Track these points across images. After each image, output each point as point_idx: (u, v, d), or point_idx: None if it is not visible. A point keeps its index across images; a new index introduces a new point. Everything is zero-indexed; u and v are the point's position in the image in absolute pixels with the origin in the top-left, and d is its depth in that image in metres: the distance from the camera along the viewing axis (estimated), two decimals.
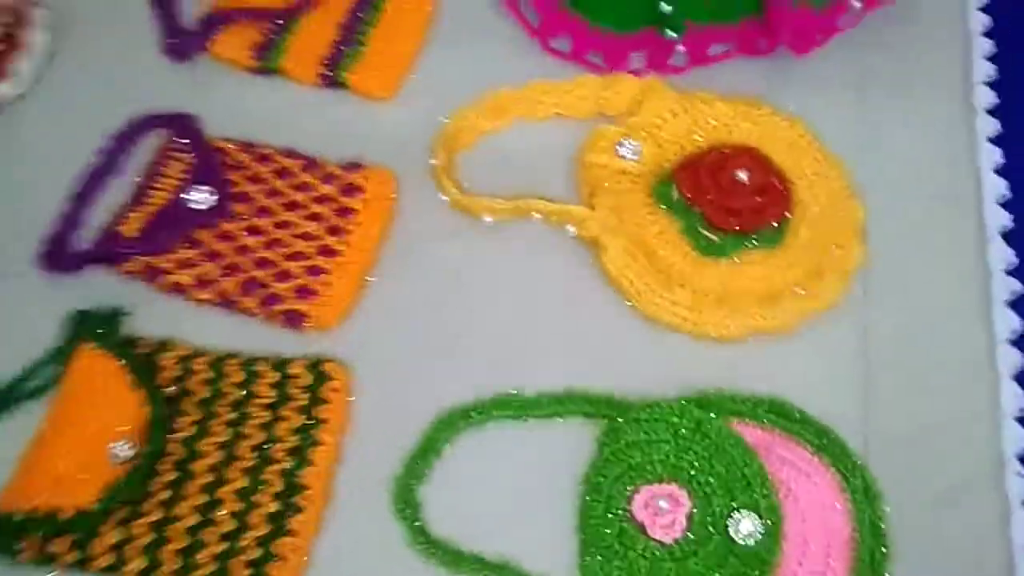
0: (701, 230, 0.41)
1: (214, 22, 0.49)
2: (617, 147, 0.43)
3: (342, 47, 0.49)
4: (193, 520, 0.36)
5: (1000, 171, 0.43)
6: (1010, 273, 0.40)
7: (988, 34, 0.48)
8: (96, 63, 0.50)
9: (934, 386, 0.38)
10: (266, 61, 0.48)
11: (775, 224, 0.41)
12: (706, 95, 0.45)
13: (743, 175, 0.41)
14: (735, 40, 0.47)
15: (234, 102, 0.48)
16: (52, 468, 0.36)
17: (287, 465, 0.37)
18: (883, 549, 0.34)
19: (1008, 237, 0.41)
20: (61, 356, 0.40)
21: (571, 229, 0.42)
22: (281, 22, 0.49)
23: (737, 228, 0.40)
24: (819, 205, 0.42)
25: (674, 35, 0.46)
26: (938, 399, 0.38)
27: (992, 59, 0.47)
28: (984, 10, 0.49)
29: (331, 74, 0.48)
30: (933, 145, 0.45)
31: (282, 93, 0.49)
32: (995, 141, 0.44)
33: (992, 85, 0.46)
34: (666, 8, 0.46)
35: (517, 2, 0.49)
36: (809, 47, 0.46)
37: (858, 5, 0.46)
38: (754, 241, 0.41)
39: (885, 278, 0.41)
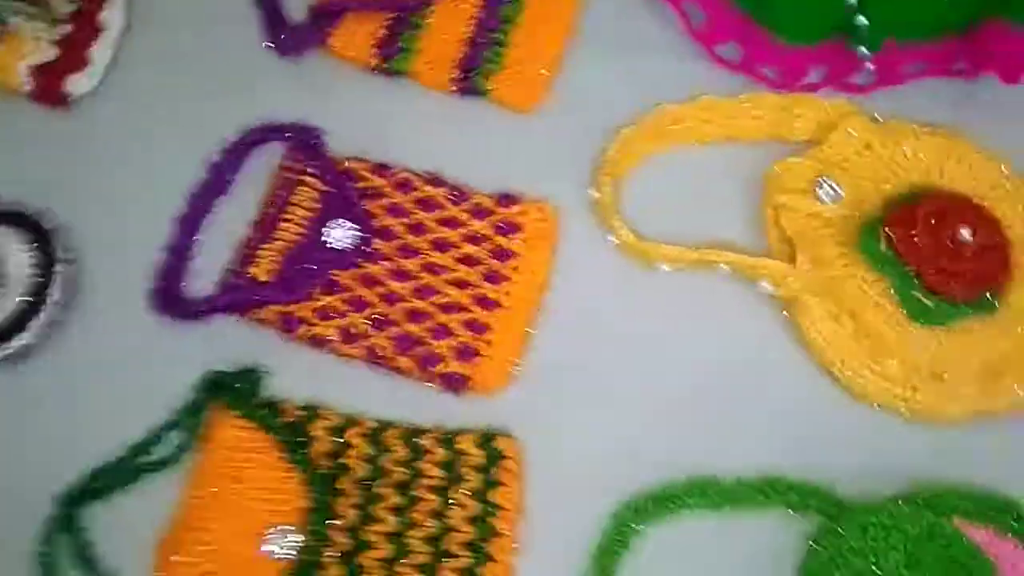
0: (915, 293, 0.36)
1: (332, 11, 0.42)
2: (816, 187, 0.38)
3: (479, 47, 0.42)
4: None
5: None
6: None
7: None
8: (182, 53, 0.44)
9: None
10: (393, 62, 0.42)
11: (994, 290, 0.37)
12: (904, 125, 0.40)
13: (967, 233, 0.36)
14: (932, 60, 0.42)
15: (353, 109, 0.42)
16: (200, 569, 0.32)
17: (466, 563, 0.33)
18: None
19: None
20: (191, 421, 0.35)
21: (766, 286, 0.37)
22: (407, 14, 0.42)
23: (956, 295, 0.36)
24: None
25: (867, 52, 0.41)
26: None
27: None
28: None
29: (467, 80, 0.42)
30: None
31: (409, 99, 0.42)
32: None
33: None
34: (862, 21, 0.40)
35: None
36: (1020, 75, 0.41)
37: None
38: (970, 309, 0.36)
39: None
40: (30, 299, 0.36)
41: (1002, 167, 0.40)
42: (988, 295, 0.36)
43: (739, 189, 0.40)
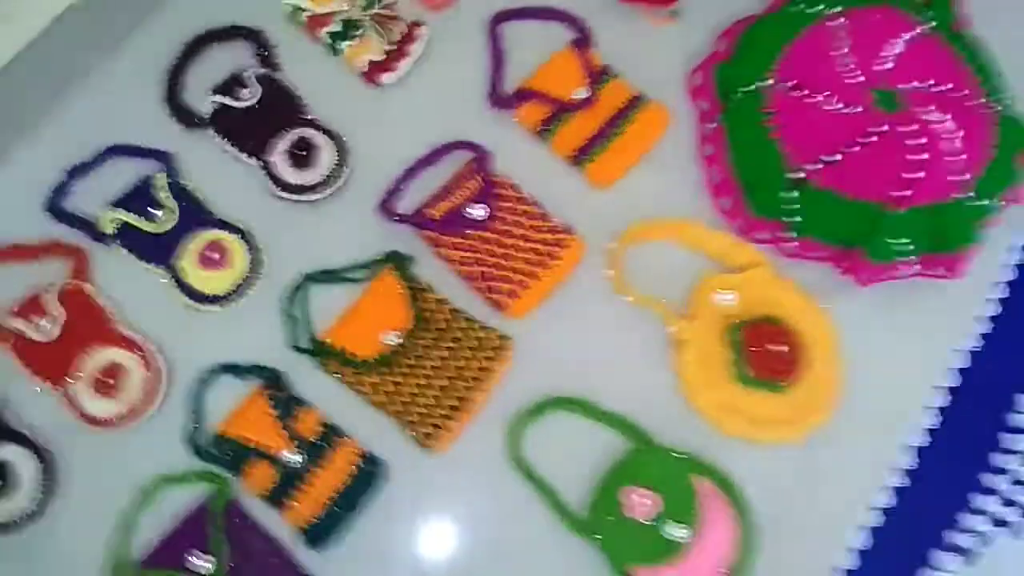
0: (746, 372, 0.68)
1: (525, 96, 0.76)
2: (717, 295, 0.70)
3: (596, 141, 0.75)
4: (424, 378, 0.67)
5: None
6: None
7: None
8: (443, 79, 0.78)
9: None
10: (545, 134, 0.75)
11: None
12: (788, 284, 0.71)
13: (783, 349, 0.67)
14: (829, 255, 0.71)
15: (515, 152, 0.76)
16: (353, 331, 0.68)
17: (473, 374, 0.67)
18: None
19: None
20: (372, 268, 0.70)
21: (671, 328, 0.69)
22: (564, 111, 0.76)
23: (766, 379, 0.67)
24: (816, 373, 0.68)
25: (794, 236, 0.71)
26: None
27: None
28: None
29: (579, 157, 0.75)
30: None
31: (544, 159, 0.76)
32: None
33: None
34: (797, 220, 0.70)
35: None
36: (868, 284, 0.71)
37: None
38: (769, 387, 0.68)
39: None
40: None
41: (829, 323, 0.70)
42: (781, 383, 0.68)
43: (690, 274, 0.72)
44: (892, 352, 0.70)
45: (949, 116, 0.71)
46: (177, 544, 0.62)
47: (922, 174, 0.69)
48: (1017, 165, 0.72)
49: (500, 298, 0.70)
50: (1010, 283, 0.72)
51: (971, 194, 0.70)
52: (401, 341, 0.68)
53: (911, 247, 0.69)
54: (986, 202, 0.70)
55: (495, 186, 0.73)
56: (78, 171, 0.72)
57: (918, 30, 0.74)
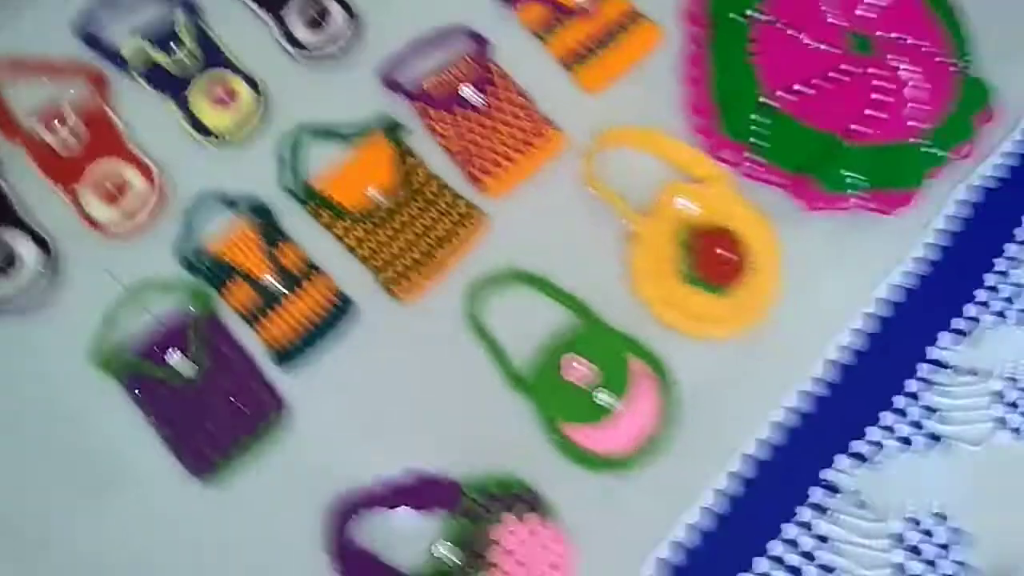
0: (692, 272, 0.74)
1: None
2: (678, 199, 0.76)
3: (590, 48, 0.81)
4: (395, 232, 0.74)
5: None
6: None
7: None
8: None
9: None
10: (544, 34, 0.81)
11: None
12: (745, 202, 0.77)
13: (730, 256, 0.74)
14: (782, 179, 0.78)
15: (513, 47, 0.81)
16: (342, 183, 0.74)
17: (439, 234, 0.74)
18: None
19: None
20: (367, 129, 0.76)
21: (627, 223, 0.76)
22: (564, 15, 0.81)
23: (710, 280, 0.74)
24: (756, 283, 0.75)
25: (757, 159, 0.77)
26: None
27: None
28: None
29: (572, 61, 0.80)
30: None
31: (540, 57, 0.81)
32: None
33: None
34: (764, 145, 0.76)
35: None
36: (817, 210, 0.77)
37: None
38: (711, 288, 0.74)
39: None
40: None
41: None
42: (723, 287, 0.74)
43: (658, 182, 0.78)
44: (829, 277, 0.76)
45: (919, 69, 0.77)
46: (160, 343, 0.69)
47: (884, 115, 0.76)
48: (973, 124, 0.78)
49: (478, 174, 0.76)
50: (945, 231, 0.78)
51: (927, 141, 0.76)
52: (383, 198, 0.74)
53: (862, 181, 0.75)
54: (938, 152, 0.77)
55: (489, 72, 0.79)
56: (108, 2, 0.77)
57: None
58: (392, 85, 0.78)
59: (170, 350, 0.69)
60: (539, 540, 0.68)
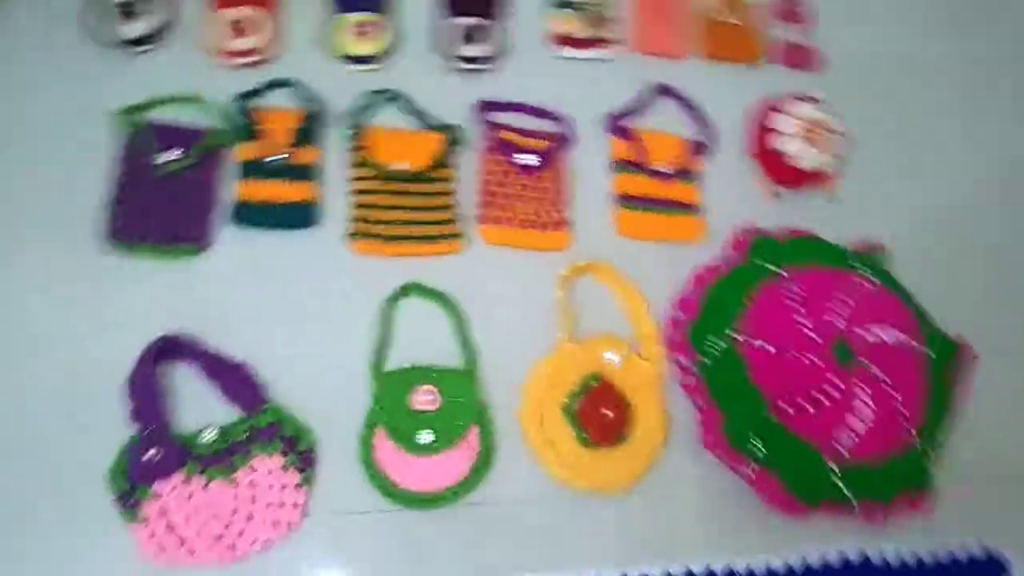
0: (575, 416, 0.77)
1: (627, 134, 0.91)
2: (608, 352, 0.80)
3: (640, 202, 0.89)
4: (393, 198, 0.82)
5: None
6: None
7: None
8: (599, 88, 0.95)
9: None
10: (617, 167, 0.90)
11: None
12: (659, 397, 0.80)
13: (608, 412, 0.77)
14: None
15: (590, 158, 0.91)
16: (389, 144, 0.84)
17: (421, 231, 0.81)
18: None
19: None
20: (438, 126, 0.86)
21: (559, 336, 0.80)
22: (640, 170, 0.90)
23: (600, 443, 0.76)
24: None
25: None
26: None
27: None
28: None
29: (619, 202, 0.88)
30: None
31: (604, 189, 0.91)
32: None
33: None
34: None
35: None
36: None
37: None
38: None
39: None
40: None
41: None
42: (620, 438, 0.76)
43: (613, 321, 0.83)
44: None
45: (893, 371, 0.80)
46: (172, 136, 0.80)
47: (866, 429, 0.78)
48: (949, 392, 0.82)
49: (485, 215, 0.84)
50: None
51: (915, 445, 0.79)
52: (407, 169, 0.83)
53: (852, 497, 0.76)
54: (928, 449, 0.80)
55: (555, 159, 0.88)
56: None
57: (861, 284, 0.84)
58: (483, 111, 0.88)
59: (173, 148, 0.79)
60: (280, 479, 0.71)
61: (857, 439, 0.77)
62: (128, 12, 0.83)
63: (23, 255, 0.75)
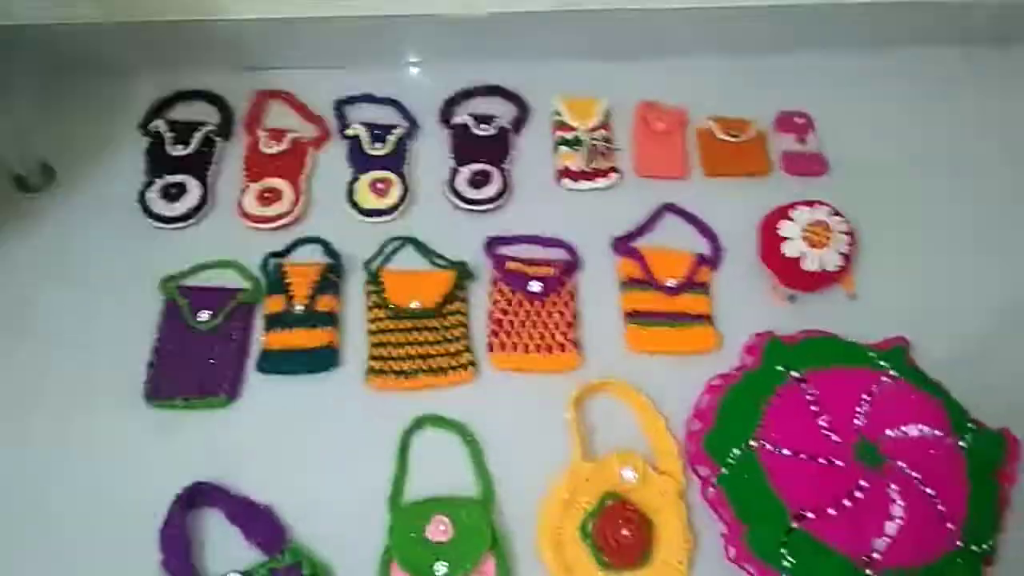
0: (592, 535, 0.76)
1: (632, 253, 0.93)
2: (627, 470, 0.79)
3: (651, 317, 0.90)
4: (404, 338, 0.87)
5: None
6: None
7: None
8: (599, 212, 0.99)
9: None
10: (624, 288, 0.92)
11: None
12: (682, 512, 0.78)
13: (626, 532, 0.75)
14: None
15: (597, 278, 0.94)
16: (402, 285, 0.90)
17: (433, 364, 0.85)
18: None
19: None
20: (448, 263, 0.92)
21: (573, 456, 0.80)
22: (650, 286, 0.92)
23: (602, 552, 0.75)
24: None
25: None
26: None
27: None
28: None
29: (630, 319, 0.90)
30: None
31: (611, 299, 0.93)
32: None
33: None
34: None
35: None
36: None
37: None
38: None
39: None
40: None
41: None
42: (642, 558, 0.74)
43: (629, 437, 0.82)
44: None
45: (925, 467, 0.76)
46: (203, 299, 0.88)
47: (899, 532, 0.73)
48: (996, 486, 0.77)
49: (496, 343, 0.87)
50: None
51: (959, 544, 0.74)
52: (418, 307, 0.88)
53: None
54: (976, 548, 0.74)
55: (562, 284, 0.91)
56: (367, 97, 1.05)
57: (883, 379, 0.80)
58: (489, 247, 0.93)
59: (207, 308, 0.87)
60: None
61: (891, 541, 0.72)
62: (170, 195, 0.94)
63: (74, 408, 0.83)
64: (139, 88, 1.05)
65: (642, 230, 0.97)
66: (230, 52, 1.06)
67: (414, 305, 0.88)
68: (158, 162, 0.98)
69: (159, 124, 1.00)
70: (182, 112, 1.03)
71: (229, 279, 0.91)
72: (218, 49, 1.05)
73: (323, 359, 0.85)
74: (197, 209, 0.94)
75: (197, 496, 0.77)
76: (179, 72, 1.06)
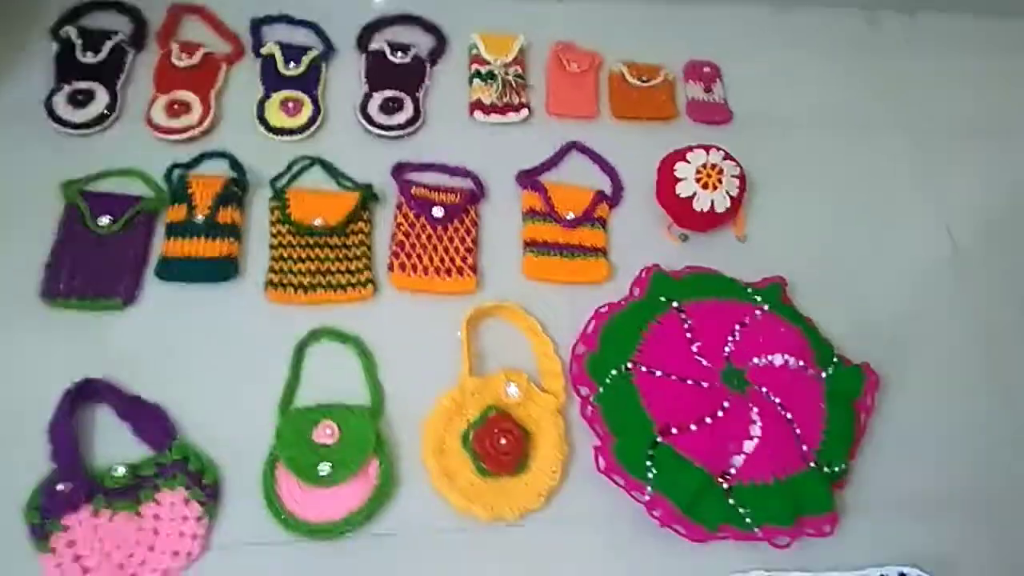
0: (473, 446, 0.79)
1: (537, 187, 0.97)
2: (511, 385, 0.83)
3: (548, 248, 0.94)
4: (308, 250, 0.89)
5: None
6: None
7: None
8: (508, 143, 1.02)
9: None
10: (527, 219, 0.95)
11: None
12: (560, 425, 0.82)
13: (503, 441, 0.79)
14: None
15: (502, 206, 0.97)
16: (306, 204, 0.91)
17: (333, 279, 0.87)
18: None
19: None
20: (355, 185, 0.94)
21: (460, 374, 0.84)
22: (550, 218, 0.96)
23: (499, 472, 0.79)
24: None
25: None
26: None
27: None
28: None
29: (527, 248, 0.94)
30: None
31: (514, 230, 0.96)
32: None
33: None
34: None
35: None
36: None
37: None
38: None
39: None
40: None
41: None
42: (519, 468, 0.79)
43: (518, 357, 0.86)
44: None
45: (786, 393, 0.82)
46: (105, 204, 0.88)
47: (756, 450, 0.79)
48: (853, 415, 0.83)
49: (395, 263, 0.90)
50: None
51: (812, 465, 0.80)
52: (320, 225, 0.90)
53: (751, 519, 0.78)
54: (827, 470, 0.80)
55: (466, 211, 0.94)
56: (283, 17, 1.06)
57: (756, 313, 0.86)
58: (397, 172, 0.95)
59: (108, 214, 0.87)
60: (182, 512, 0.74)
61: (748, 457, 0.78)
62: (77, 101, 0.94)
63: None
64: None
65: (547, 165, 1.00)
66: None
67: (317, 223, 0.90)
68: (67, 68, 0.97)
69: (69, 30, 0.99)
70: (94, 20, 1.02)
71: (133, 188, 0.91)
72: None
73: (222, 269, 0.87)
74: (104, 116, 0.94)
75: (88, 392, 0.78)
76: None
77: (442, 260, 0.91)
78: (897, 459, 0.86)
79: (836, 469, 0.81)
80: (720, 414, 0.80)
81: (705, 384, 0.82)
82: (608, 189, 0.99)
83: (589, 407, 0.83)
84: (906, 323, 0.96)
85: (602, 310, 0.89)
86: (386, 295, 0.89)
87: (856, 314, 0.94)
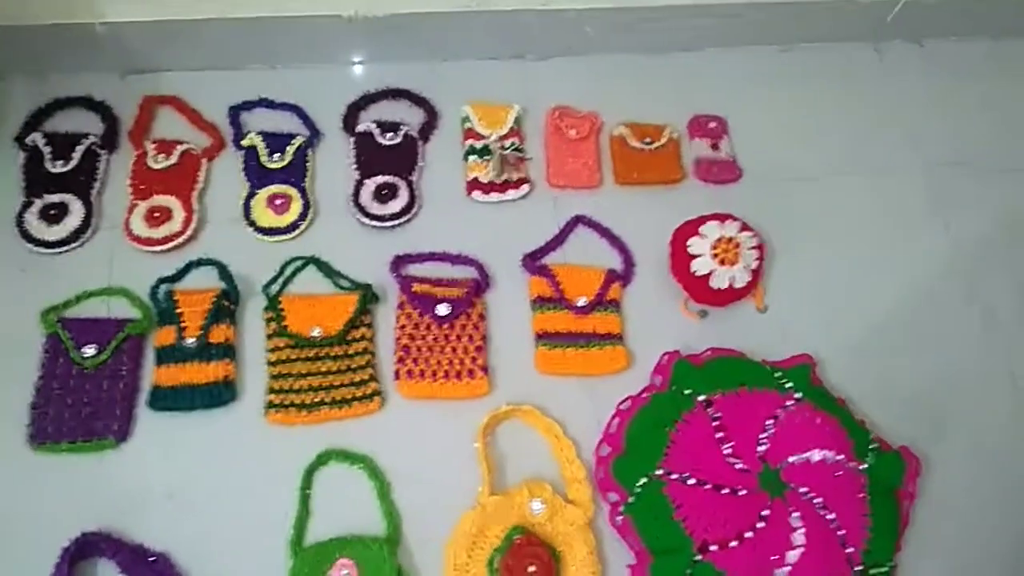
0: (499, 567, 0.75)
1: (544, 272, 0.91)
2: (536, 502, 0.78)
3: (561, 338, 0.88)
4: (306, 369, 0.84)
5: None
6: None
7: None
8: (512, 224, 0.97)
9: None
10: (535, 307, 0.90)
11: None
12: (590, 541, 0.77)
13: (532, 568, 0.74)
14: None
15: (507, 297, 0.92)
16: (301, 311, 0.86)
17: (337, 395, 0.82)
18: None
19: None
20: (353, 285, 0.88)
21: (480, 492, 0.79)
22: (560, 306, 0.91)
23: None
24: None
25: None
26: None
27: None
28: None
29: (540, 340, 0.88)
30: None
31: (523, 319, 0.91)
32: None
33: None
34: None
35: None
36: None
37: None
38: None
39: None
40: None
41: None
42: None
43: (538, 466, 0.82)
44: None
45: (826, 492, 0.77)
46: (88, 332, 0.82)
47: (801, 560, 0.75)
48: (896, 505, 0.79)
49: (403, 371, 0.85)
50: None
51: (859, 568, 0.76)
52: (319, 336, 0.84)
53: None
54: (875, 571, 0.77)
55: (472, 305, 0.89)
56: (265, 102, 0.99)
57: (788, 403, 0.81)
58: (396, 267, 0.90)
59: (88, 345, 0.82)
60: None
61: (792, 570, 0.74)
62: (50, 216, 0.88)
63: None
64: (13, 95, 0.96)
65: (553, 244, 0.95)
66: (112, 54, 0.98)
67: (315, 333, 0.85)
68: (36, 180, 0.91)
69: (36, 138, 0.93)
70: (61, 122, 0.96)
71: (117, 309, 0.86)
72: (99, 50, 0.97)
73: (218, 394, 0.81)
74: (80, 232, 0.88)
75: (86, 548, 0.73)
76: (57, 77, 0.98)
77: (451, 362, 0.86)
78: (944, 544, 0.82)
79: (884, 570, 0.77)
80: (760, 524, 0.75)
81: (742, 491, 0.77)
82: (618, 265, 0.94)
83: (619, 516, 0.79)
84: (942, 393, 0.92)
85: (624, 406, 0.85)
86: (394, 404, 0.84)
87: (887, 384, 0.90)
